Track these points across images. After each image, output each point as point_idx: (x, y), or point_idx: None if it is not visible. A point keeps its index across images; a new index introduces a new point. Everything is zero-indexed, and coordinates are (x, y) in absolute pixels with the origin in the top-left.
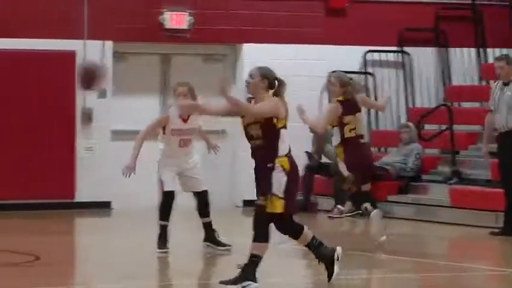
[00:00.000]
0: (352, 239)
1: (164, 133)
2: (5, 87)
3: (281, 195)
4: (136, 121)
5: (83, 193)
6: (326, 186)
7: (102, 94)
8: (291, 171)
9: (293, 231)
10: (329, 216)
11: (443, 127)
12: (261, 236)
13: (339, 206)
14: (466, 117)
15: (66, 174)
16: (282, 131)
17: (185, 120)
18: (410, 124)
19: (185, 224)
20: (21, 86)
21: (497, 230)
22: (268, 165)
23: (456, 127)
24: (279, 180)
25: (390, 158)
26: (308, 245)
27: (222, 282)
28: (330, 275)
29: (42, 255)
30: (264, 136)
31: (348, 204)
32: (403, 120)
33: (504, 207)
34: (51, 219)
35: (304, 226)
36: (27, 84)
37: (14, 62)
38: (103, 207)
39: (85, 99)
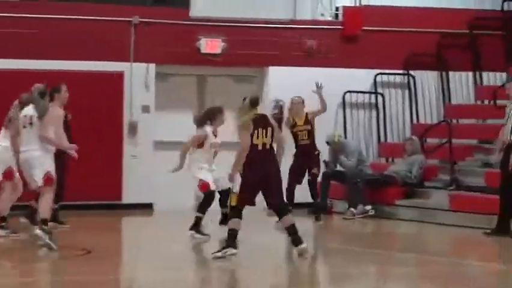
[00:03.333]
0: (364, 238)
1: (202, 146)
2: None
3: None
4: (175, 133)
5: (129, 195)
6: (340, 191)
7: (146, 109)
8: (245, 172)
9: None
10: (344, 218)
11: (443, 140)
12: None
13: (351, 209)
14: (463, 132)
15: (114, 179)
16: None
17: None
18: (414, 137)
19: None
20: (77, 102)
21: (489, 231)
22: None
23: (454, 141)
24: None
25: (397, 167)
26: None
27: (213, 253)
28: None
29: (95, 250)
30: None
31: (360, 207)
32: (408, 134)
33: (498, 211)
34: (102, 218)
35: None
36: (83, 100)
37: (72, 81)
38: (146, 208)
39: (131, 113)
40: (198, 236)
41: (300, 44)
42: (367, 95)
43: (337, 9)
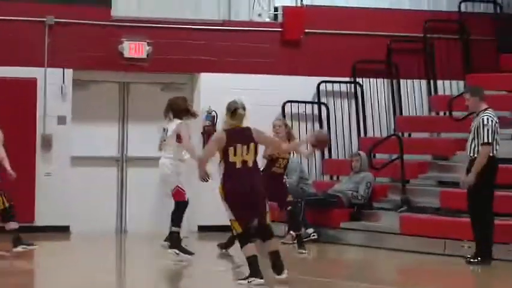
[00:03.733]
0: (305, 265)
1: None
2: None
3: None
4: (95, 147)
5: (42, 217)
6: (279, 212)
7: (62, 121)
8: (226, 197)
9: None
10: (282, 242)
11: (394, 156)
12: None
13: (291, 232)
14: (416, 147)
15: (26, 199)
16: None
17: None
18: (362, 153)
19: None
20: None
21: (470, 257)
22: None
23: (406, 156)
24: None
25: (342, 186)
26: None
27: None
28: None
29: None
30: None
31: (301, 231)
32: (355, 149)
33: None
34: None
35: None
36: None
37: None
38: (62, 230)
39: (44, 125)
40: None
41: (235, 48)
42: (309, 106)
43: (276, 9)
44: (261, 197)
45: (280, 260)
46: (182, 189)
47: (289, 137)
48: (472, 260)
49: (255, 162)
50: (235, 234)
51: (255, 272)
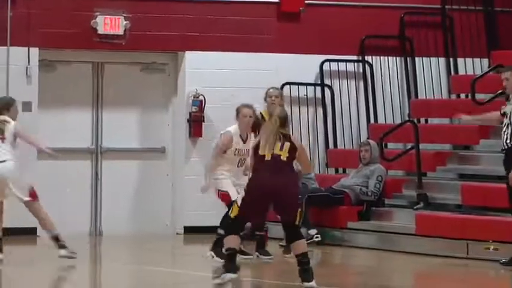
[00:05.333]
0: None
1: (225, 152)
2: None
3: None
4: (65, 138)
5: (5, 218)
6: None
7: (27, 107)
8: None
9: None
10: (281, 245)
11: (408, 146)
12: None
13: None
14: (434, 135)
15: None
16: None
17: (244, 141)
18: (372, 142)
19: None
20: None
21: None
22: None
23: (422, 146)
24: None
25: (350, 180)
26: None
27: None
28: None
29: None
30: None
31: (303, 232)
32: (364, 137)
33: None
34: None
35: None
36: None
37: None
38: (28, 233)
39: None
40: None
41: (224, 22)
42: (311, 88)
43: None
44: (284, 193)
45: (309, 264)
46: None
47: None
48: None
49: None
50: (230, 218)
51: (230, 266)
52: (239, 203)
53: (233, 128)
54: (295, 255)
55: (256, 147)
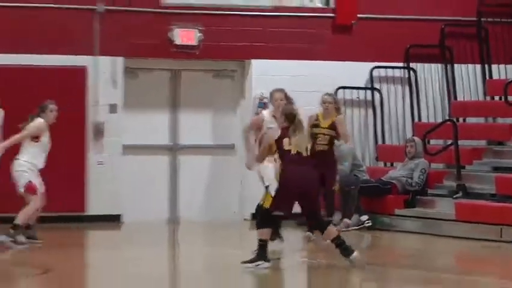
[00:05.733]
0: (360, 252)
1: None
2: (18, 101)
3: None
4: (146, 136)
5: (94, 206)
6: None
7: (113, 109)
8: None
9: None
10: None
11: (449, 142)
12: (262, 221)
13: (346, 220)
14: (471, 133)
15: (77, 188)
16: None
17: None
18: (416, 139)
19: None
20: (34, 100)
21: None
22: None
23: (461, 142)
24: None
25: (397, 173)
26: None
27: (243, 262)
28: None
29: (54, 268)
30: None
31: (355, 218)
32: (409, 135)
33: None
34: (62, 233)
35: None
36: (40, 98)
37: (28, 77)
38: (113, 220)
39: (96, 114)
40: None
41: (286, 34)
42: (362, 91)
43: None
44: (311, 188)
45: (345, 243)
46: None
47: (338, 112)
48: None
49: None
50: (263, 208)
51: (263, 255)
52: (272, 194)
53: (266, 111)
54: (331, 241)
55: (280, 141)
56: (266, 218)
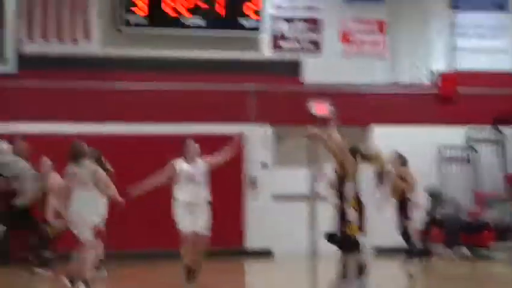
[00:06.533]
0: (462, 279)
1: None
2: None
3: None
4: (290, 187)
5: (250, 242)
6: (440, 236)
7: (265, 166)
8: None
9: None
10: (442, 259)
11: None
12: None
13: (449, 251)
14: None
15: (236, 227)
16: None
17: None
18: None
19: None
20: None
21: None
22: None
23: None
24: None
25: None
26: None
27: None
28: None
29: None
30: None
31: (456, 249)
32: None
33: None
34: (226, 264)
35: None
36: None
37: (202, 142)
38: (265, 253)
39: (251, 170)
40: None
41: (399, 103)
42: (460, 150)
43: (433, 73)
44: None
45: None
46: None
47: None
48: None
49: None
50: (351, 238)
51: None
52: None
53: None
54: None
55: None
56: (353, 244)
